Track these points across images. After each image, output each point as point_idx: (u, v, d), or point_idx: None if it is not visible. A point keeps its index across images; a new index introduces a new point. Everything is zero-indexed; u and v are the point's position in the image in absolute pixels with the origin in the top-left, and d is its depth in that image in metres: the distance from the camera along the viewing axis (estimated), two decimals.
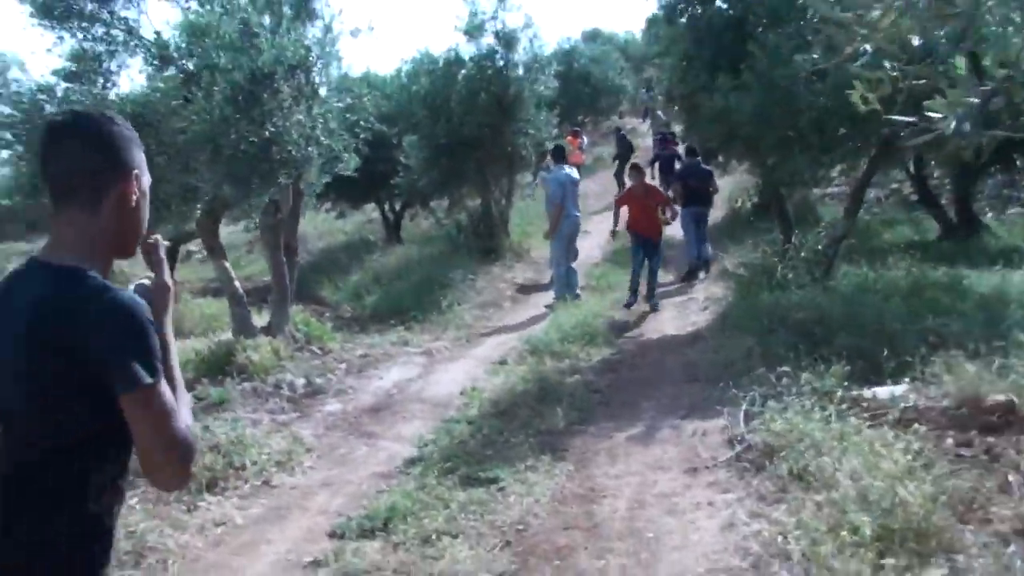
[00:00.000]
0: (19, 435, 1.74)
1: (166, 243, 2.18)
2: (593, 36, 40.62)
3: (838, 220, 11.07)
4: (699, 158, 13.29)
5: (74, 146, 1.85)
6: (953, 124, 2.04)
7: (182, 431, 1.75)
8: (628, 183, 12.99)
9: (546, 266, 13.58)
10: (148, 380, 1.69)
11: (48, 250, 1.84)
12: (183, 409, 1.80)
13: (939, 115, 2.12)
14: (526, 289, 13.65)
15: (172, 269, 13.09)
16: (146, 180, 1.95)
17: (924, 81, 2.16)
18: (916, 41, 2.08)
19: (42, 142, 1.87)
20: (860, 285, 9.21)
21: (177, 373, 1.91)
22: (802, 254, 10.10)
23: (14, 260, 18.24)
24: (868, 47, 2.19)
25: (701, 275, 13.16)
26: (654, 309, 11.41)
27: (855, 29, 2.19)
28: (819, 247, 10.09)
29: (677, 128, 17.80)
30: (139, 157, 1.94)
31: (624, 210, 11.77)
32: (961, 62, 2.14)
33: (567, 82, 25.11)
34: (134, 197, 1.88)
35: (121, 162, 1.87)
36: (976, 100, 2.00)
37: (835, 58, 1.77)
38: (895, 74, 2.24)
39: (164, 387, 1.73)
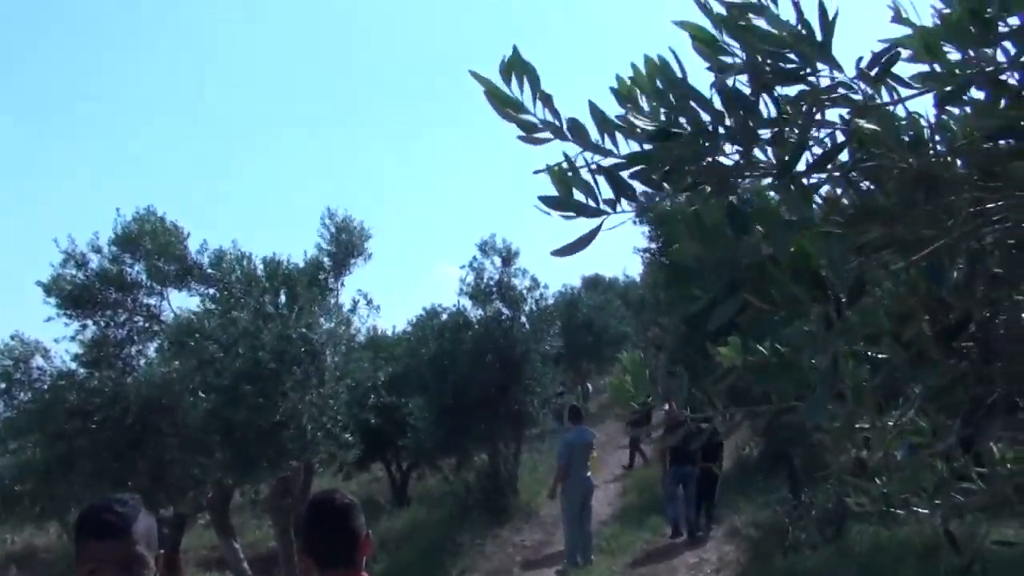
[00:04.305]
0: None
1: None
2: (594, 283, 41.54)
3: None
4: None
5: None
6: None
7: None
8: None
9: (556, 527, 13.34)
10: None
11: None
12: None
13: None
14: (536, 552, 13.36)
15: (179, 539, 13.02)
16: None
17: None
18: None
19: None
20: (873, 544, 9.10)
21: None
22: (812, 512, 10.03)
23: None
24: None
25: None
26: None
27: None
28: (829, 505, 10.02)
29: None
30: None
31: None
32: None
33: (569, 331, 25.45)
34: None
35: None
36: None
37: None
38: None
39: None
